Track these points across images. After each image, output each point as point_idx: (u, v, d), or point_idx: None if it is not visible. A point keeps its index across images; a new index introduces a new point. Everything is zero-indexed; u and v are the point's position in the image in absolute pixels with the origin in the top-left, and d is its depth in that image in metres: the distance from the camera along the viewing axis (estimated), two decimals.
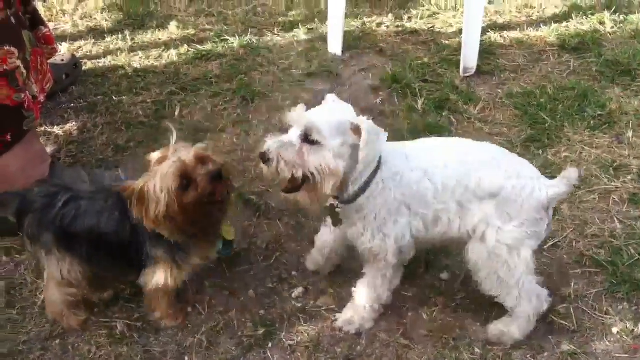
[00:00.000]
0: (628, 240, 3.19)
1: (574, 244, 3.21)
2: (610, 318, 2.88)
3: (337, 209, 2.57)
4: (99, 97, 4.11)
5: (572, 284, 3.02)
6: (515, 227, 2.52)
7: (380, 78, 4.29)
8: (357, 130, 2.32)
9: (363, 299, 2.80)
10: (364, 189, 2.47)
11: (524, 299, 2.65)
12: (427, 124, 3.90)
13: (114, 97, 4.10)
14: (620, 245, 3.15)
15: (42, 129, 3.82)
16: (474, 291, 2.94)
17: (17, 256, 3.13)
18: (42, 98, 3.26)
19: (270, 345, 2.81)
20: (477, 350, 2.77)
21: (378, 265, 2.67)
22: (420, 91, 4.16)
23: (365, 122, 2.32)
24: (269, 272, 3.11)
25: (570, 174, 2.55)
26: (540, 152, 3.73)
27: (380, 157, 2.46)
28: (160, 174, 2.38)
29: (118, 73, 4.32)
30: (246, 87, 4.19)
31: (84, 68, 4.32)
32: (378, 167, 2.46)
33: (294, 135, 2.32)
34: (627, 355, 2.74)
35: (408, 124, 3.94)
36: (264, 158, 2.30)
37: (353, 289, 2.84)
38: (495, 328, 2.79)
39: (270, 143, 2.31)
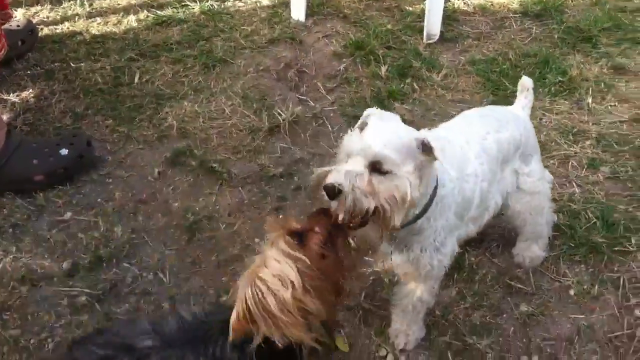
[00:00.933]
0: (586, 204, 3.23)
1: None
2: (567, 280, 2.93)
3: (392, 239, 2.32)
4: (56, 64, 4.02)
5: None
6: (535, 161, 2.73)
7: (344, 45, 4.27)
8: (426, 147, 2.06)
9: (411, 317, 2.61)
10: (425, 210, 2.22)
11: (549, 222, 2.93)
12: (391, 91, 3.90)
13: (72, 64, 4.01)
14: (578, 209, 3.20)
15: None
16: None
17: None
18: None
19: None
20: (437, 312, 2.80)
21: (429, 282, 2.48)
22: (383, 58, 4.15)
23: (432, 139, 2.04)
24: (232, 240, 3.09)
25: (525, 82, 2.77)
26: None
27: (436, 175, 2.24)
28: (264, 259, 1.87)
29: (76, 39, 4.22)
30: (207, 53, 4.13)
31: (40, 34, 4.21)
32: (436, 185, 2.23)
33: (358, 164, 2.00)
34: (583, 316, 2.80)
35: (372, 90, 3.93)
36: (333, 192, 1.95)
37: (394, 310, 2.66)
38: (523, 255, 2.98)
39: (338, 175, 1.98)
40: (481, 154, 2.46)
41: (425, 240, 2.31)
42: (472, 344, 2.69)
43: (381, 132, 2.07)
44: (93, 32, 4.29)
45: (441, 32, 4.31)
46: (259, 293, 1.79)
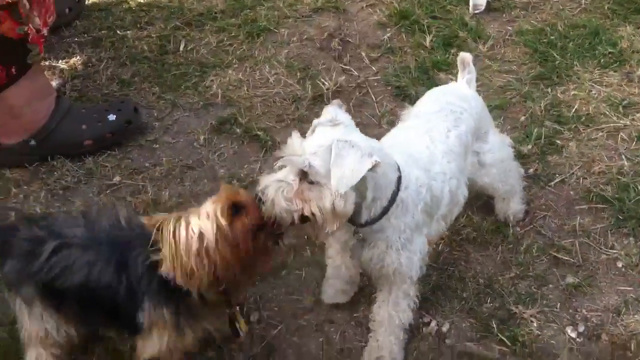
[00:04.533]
0: (635, 177, 3.18)
1: (581, 180, 3.20)
2: (615, 252, 2.90)
3: (354, 234, 2.34)
4: (103, 32, 4.06)
5: (578, 220, 3.03)
6: (492, 134, 2.77)
7: (388, 14, 4.22)
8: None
9: (388, 331, 2.52)
10: (384, 212, 2.23)
11: (519, 178, 2.99)
12: (435, 61, 3.86)
13: (118, 32, 4.05)
14: (627, 182, 3.15)
15: (47, 63, 3.78)
16: (479, 227, 2.97)
17: (26, 187, 3.14)
18: (45, 32, 3.21)
19: None
20: (481, 281, 2.80)
21: (402, 286, 2.44)
22: (428, 28, 4.09)
23: (338, 142, 2.02)
24: None
25: (464, 57, 2.79)
26: (549, 90, 3.69)
27: (399, 177, 2.23)
28: (201, 208, 2.06)
29: (122, 7, 4.26)
30: (251, 22, 4.13)
31: (87, 2, 4.26)
32: (397, 189, 2.23)
33: (290, 173, 2.05)
34: (631, 288, 2.77)
35: (416, 60, 3.89)
36: (259, 199, 2.06)
37: (371, 322, 2.57)
38: (504, 212, 3.00)
39: (266, 183, 2.06)
40: (448, 152, 2.45)
41: (390, 237, 2.30)
42: (516, 313, 2.69)
43: (316, 141, 2.07)
44: (139, 0, 4.31)
45: (488, 2, 4.23)
46: (178, 230, 2.02)
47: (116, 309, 2.19)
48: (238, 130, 3.47)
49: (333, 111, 2.16)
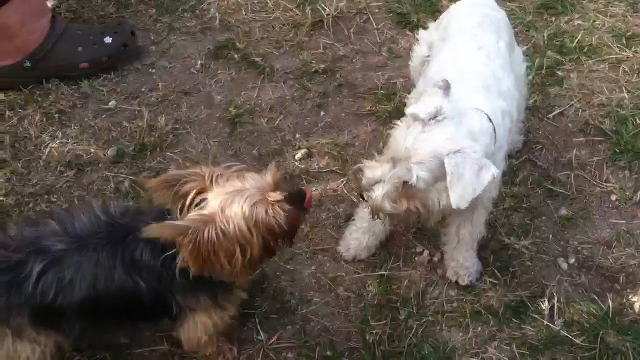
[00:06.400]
0: (634, 110, 3.16)
1: (580, 112, 3.19)
2: (610, 185, 2.91)
3: None
4: None
5: (574, 152, 3.03)
6: (517, 45, 2.77)
7: None
8: None
9: (468, 245, 2.57)
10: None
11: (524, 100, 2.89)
12: None
13: None
14: (626, 115, 3.13)
15: None
16: None
17: (20, 110, 3.12)
18: None
19: None
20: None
21: (485, 203, 2.46)
22: None
23: (451, 159, 2.00)
24: (273, 134, 3.10)
25: None
26: (553, 19, 3.63)
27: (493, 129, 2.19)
28: (239, 202, 1.88)
29: None
30: None
31: None
32: (495, 139, 2.22)
33: (395, 174, 2.07)
34: (624, 221, 2.80)
35: None
36: (362, 193, 2.15)
37: (446, 244, 2.62)
38: None
39: (369, 180, 2.12)
40: (504, 65, 2.41)
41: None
42: (509, 244, 2.72)
43: (422, 147, 2.04)
44: None
45: None
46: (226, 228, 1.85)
47: (137, 310, 2.06)
48: (236, 55, 3.42)
49: (438, 101, 2.08)
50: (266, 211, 1.89)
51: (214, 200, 1.88)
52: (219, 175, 1.91)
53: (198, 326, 2.12)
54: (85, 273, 1.94)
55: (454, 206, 2.02)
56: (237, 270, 1.92)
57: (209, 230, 1.83)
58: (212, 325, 2.14)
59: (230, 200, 1.87)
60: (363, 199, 2.16)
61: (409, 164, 2.03)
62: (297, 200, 1.98)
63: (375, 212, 2.16)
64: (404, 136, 2.07)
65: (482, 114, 2.16)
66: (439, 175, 2.03)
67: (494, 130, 2.18)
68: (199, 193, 1.89)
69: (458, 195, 2.00)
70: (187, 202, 1.89)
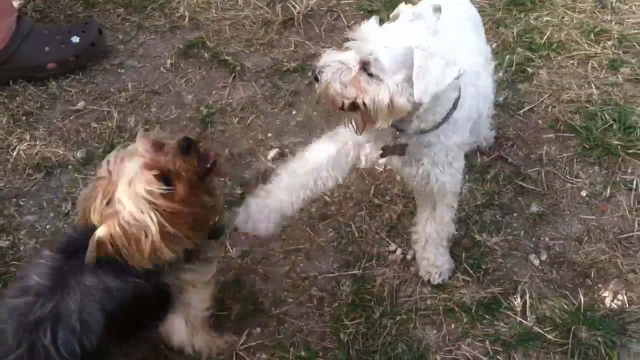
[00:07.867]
0: (603, 105, 3.19)
1: (550, 109, 3.21)
2: (579, 181, 2.93)
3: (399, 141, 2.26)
4: None
5: (545, 148, 3.04)
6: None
7: None
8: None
9: (437, 244, 2.58)
10: (435, 127, 2.18)
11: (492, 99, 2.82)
12: None
13: None
14: (595, 111, 3.16)
15: None
16: None
17: None
18: None
19: None
20: None
21: (447, 200, 2.45)
22: None
23: (421, 52, 1.94)
24: (245, 134, 3.09)
25: None
26: (522, 15, 3.64)
27: (457, 97, 2.16)
28: (126, 193, 1.80)
29: None
30: None
31: None
32: (454, 107, 2.17)
33: (353, 58, 2.00)
34: (594, 217, 2.82)
35: None
36: (315, 75, 2.02)
37: (416, 243, 2.62)
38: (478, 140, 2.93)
39: (326, 60, 2.00)
40: (484, 63, 2.41)
41: (437, 155, 2.26)
42: (481, 241, 2.73)
43: (391, 34, 2.00)
44: None
45: None
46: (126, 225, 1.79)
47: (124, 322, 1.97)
48: (206, 54, 3.39)
49: (425, 10, 2.06)
50: (147, 181, 1.80)
51: (117, 193, 1.81)
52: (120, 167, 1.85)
53: (192, 302, 2.13)
54: (64, 322, 1.84)
55: (416, 98, 1.97)
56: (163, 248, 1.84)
57: (114, 229, 1.78)
58: (204, 299, 2.15)
59: (122, 188, 1.81)
60: (316, 80, 2.04)
61: (374, 45, 1.98)
62: (186, 149, 1.91)
63: (324, 94, 2.04)
64: (375, 27, 2.03)
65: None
66: (401, 65, 1.97)
67: (457, 97, 2.17)
68: (106, 194, 1.82)
69: (422, 88, 1.95)
70: (97, 206, 1.82)
